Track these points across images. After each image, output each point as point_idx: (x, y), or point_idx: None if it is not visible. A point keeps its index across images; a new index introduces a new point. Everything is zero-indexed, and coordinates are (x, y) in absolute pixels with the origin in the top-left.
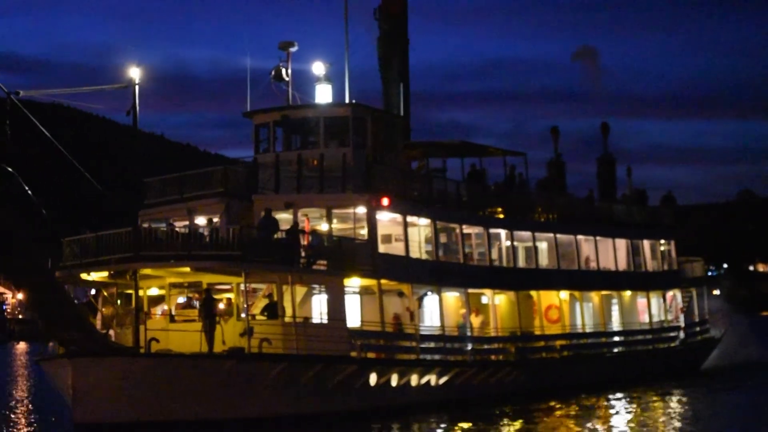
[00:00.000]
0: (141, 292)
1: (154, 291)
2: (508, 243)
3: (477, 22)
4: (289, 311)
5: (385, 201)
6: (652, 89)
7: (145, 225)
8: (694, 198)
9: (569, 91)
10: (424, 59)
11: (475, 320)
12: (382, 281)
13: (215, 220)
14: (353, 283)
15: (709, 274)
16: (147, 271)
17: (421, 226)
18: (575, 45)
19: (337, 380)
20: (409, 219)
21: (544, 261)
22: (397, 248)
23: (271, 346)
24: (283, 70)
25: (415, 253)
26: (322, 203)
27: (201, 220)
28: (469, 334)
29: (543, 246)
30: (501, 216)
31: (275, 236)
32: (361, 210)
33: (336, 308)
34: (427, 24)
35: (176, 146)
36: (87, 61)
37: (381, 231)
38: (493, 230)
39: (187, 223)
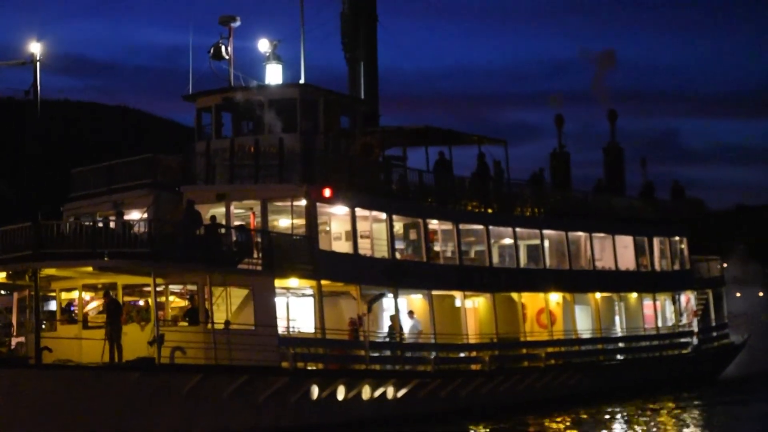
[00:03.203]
0: (56, 295)
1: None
2: (484, 240)
3: (545, 23)
4: (222, 316)
5: (327, 192)
6: (721, 88)
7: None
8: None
9: (635, 90)
10: (489, 60)
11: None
12: (324, 282)
13: (143, 215)
14: (292, 284)
15: None
16: (51, 271)
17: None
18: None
19: (267, 394)
20: (361, 213)
21: (530, 260)
22: (362, 246)
23: (185, 355)
24: (223, 48)
25: (382, 252)
26: (257, 195)
27: (135, 215)
28: (433, 341)
29: (528, 244)
30: (475, 210)
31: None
32: (301, 203)
33: (264, 313)
34: (492, 24)
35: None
36: (154, 63)
37: (338, 227)
38: (464, 226)
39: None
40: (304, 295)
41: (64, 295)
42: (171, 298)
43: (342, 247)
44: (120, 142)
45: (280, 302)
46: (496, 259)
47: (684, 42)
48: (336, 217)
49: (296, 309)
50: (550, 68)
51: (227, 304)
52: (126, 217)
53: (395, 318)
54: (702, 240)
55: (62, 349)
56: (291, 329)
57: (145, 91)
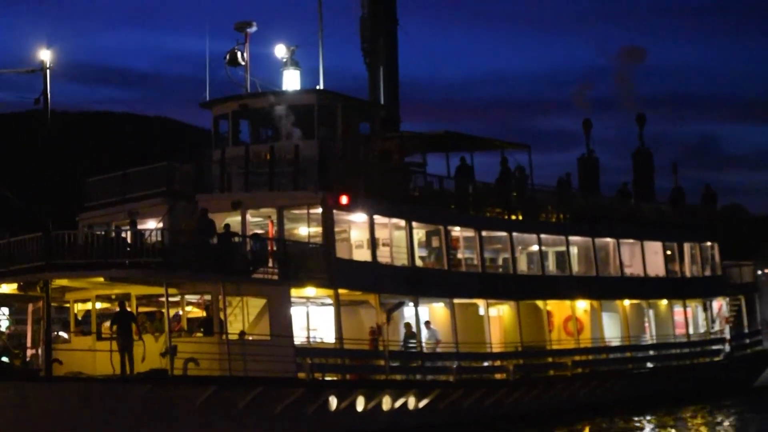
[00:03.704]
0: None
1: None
2: (509, 247)
3: (580, 30)
4: (239, 327)
5: (344, 199)
6: (761, 92)
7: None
8: None
9: (673, 96)
10: (523, 67)
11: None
12: (342, 291)
13: (158, 224)
14: (308, 293)
15: None
16: (63, 282)
17: (414, 230)
18: (679, 49)
19: (283, 405)
20: (381, 220)
21: (558, 267)
22: (382, 254)
23: (198, 367)
24: (239, 54)
25: (402, 260)
26: (273, 203)
27: (151, 224)
28: (455, 350)
29: (557, 251)
30: (498, 217)
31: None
32: (318, 210)
33: (280, 323)
34: (529, 31)
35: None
36: (194, 72)
37: (359, 235)
38: (487, 233)
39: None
40: (323, 304)
41: (81, 306)
42: (189, 308)
43: (363, 255)
44: (156, 152)
45: (300, 312)
46: (524, 267)
47: (721, 46)
48: (356, 225)
49: (317, 318)
50: (585, 75)
51: (243, 315)
52: (141, 227)
53: (409, 326)
54: (739, 245)
55: (76, 361)
56: (312, 339)
57: (187, 101)
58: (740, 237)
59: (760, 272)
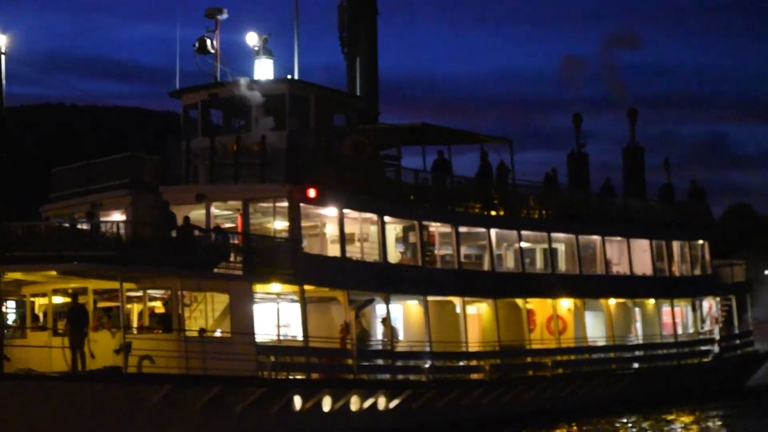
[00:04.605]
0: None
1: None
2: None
3: (591, 27)
4: (200, 323)
5: (312, 192)
6: None
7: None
8: None
9: (685, 94)
10: (538, 65)
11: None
12: (307, 287)
13: (122, 216)
14: (273, 289)
15: None
16: (16, 275)
17: (391, 225)
18: (696, 50)
19: (244, 405)
20: (353, 214)
21: (540, 265)
22: (355, 249)
23: (154, 364)
24: (208, 41)
25: (377, 256)
26: (238, 195)
27: (117, 217)
28: (427, 349)
29: (544, 248)
30: (477, 212)
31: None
32: (285, 204)
33: (241, 319)
34: (539, 30)
35: None
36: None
37: (335, 230)
38: (464, 229)
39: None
40: (294, 300)
41: (43, 300)
42: (157, 303)
43: (338, 251)
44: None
45: (270, 308)
46: (511, 264)
47: (733, 46)
48: (331, 220)
49: (288, 315)
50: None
51: (206, 311)
52: (106, 219)
53: (360, 323)
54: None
55: (32, 357)
56: (284, 336)
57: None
58: (745, 236)
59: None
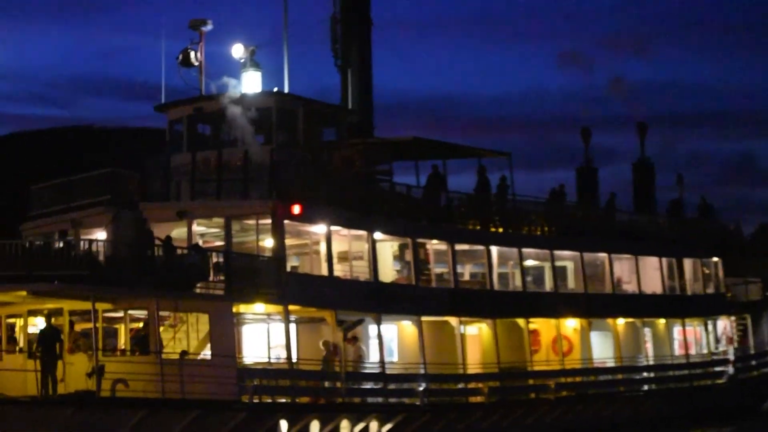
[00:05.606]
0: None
1: None
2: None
3: (620, 45)
4: (183, 345)
5: (296, 209)
6: None
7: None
8: None
9: (715, 112)
10: (563, 84)
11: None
12: (292, 307)
13: (103, 234)
14: (257, 309)
15: None
16: None
17: (388, 243)
18: (725, 67)
19: (227, 429)
20: (343, 232)
21: (548, 283)
22: (356, 268)
23: (128, 388)
24: (192, 54)
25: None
26: (220, 212)
27: (101, 235)
28: (422, 371)
29: (556, 265)
30: (473, 228)
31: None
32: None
33: (222, 341)
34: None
35: None
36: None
37: (334, 248)
38: (461, 246)
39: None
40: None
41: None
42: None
43: (335, 270)
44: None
45: (258, 329)
46: (518, 283)
47: (758, 62)
48: (323, 237)
49: (279, 336)
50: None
51: (189, 332)
52: (87, 237)
53: (327, 344)
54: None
55: (6, 382)
56: (276, 359)
57: None
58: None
59: None
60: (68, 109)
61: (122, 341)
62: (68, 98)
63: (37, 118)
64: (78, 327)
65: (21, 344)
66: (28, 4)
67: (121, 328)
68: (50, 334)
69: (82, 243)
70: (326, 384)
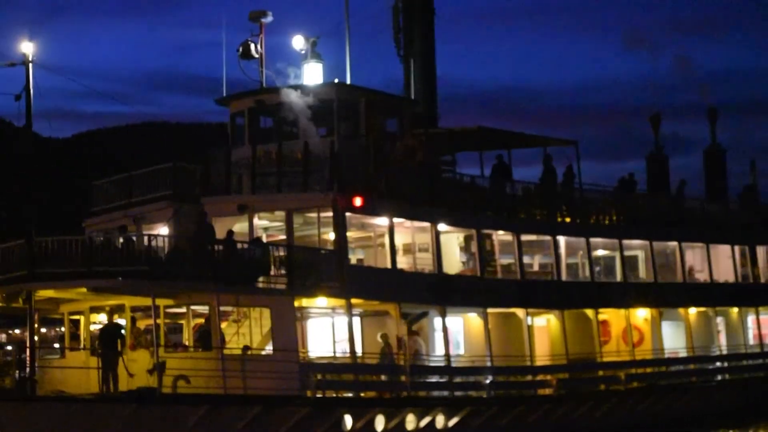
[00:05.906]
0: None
1: None
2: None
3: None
4: (247, 340)
5: (358, 201)
6: None
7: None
8: None
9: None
10: (638, 72)
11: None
12: (355, 301)
13: (164, 230)
14: (320, 303)
15: None
16: (49, 293)
17: (453, 234)
18: None
19: (289, 425)
20: (407, 224)
21: (619, 273)
22: (421, 260)
23: (189, 384)
24: (252, 46)
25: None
26: (282, 205)
27: (163, 230)
28: (489, 364)
29: (628, 255)
30: (540, 218)
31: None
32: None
33: (284, 336)
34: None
35: None
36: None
37: (396, 241)
38: (527, 237)
39: (154, 232)
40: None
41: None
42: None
43: (399, 262)
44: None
45: (323, 323)
46: (587, 273)
47: None
48: (386, 229)
49: (342, 330)
50: (703, 79)
51: (251, 327)
52: (150, 233)
53: (386, 336)
54: None
55: (69, 378)
56: (343, 353)
57: None
58: None
59: None
60: (142, 106)
61: (186, 337)
62: (141, 95)
63: (113, 115)
64: (141, 324)
65: (84, 341)
66: (100, 3)
67: (185, 324)
68: (111, 331)
69: (141, 238)
70: (390, 378)
